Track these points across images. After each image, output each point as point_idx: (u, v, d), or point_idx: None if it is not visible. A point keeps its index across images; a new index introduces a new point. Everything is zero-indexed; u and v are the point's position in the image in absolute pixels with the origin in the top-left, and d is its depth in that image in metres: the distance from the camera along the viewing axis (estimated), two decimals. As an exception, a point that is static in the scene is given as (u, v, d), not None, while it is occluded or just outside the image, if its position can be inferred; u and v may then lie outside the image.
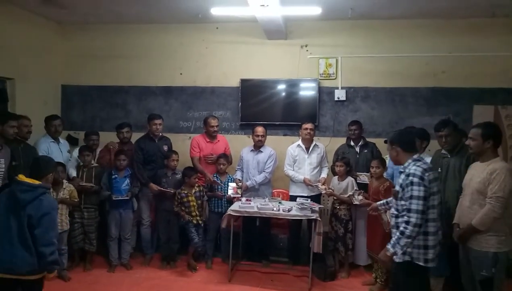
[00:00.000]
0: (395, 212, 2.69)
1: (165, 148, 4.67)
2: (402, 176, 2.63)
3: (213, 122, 4.67)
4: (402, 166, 2.68)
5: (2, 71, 4.81)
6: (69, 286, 3.90)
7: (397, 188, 2.68)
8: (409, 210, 2.50)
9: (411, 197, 2.50)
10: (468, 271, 2.87)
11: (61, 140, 4.57)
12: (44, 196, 2.61)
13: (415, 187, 2.49)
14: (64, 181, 4.03)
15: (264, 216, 4.05)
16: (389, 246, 2.58)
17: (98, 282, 4.00)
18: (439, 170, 3.46)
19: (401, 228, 2.52)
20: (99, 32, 5.70)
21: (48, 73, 5.54)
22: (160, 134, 4.73)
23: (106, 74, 5.72)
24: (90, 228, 4.26)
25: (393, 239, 2.57)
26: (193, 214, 4.25)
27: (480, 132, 2.79)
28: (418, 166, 2.56)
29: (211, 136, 4.70)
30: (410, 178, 2.52)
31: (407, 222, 2.49)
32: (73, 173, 4.38)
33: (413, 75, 5.08)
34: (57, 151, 4.37)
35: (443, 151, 3.51)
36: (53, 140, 4.38)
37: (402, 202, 2.58)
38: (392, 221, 2.73)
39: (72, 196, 3.98)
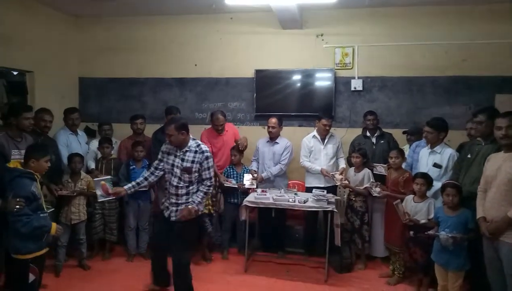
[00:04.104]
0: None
1: None
2: (194, 154, 3.28)
3: (220, 119, 4.59)
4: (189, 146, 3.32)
5: (22, 65, 4.90)
6: (89, 274, 4.00)
7: (189, 164, 3.28)
8: (209, 178, 3.35)
9: (208, 168, 3.31)
10: (496, 266, 2.75)
11: (79, 132, 4.64)
12: (16, 179, 2.72)
13: (210, 160, 3.33)
14: (82, 172, 4.10)
15: (280, 207, 4.04)
16: None
17: (117, 270, 4.09)
18: (468, 156, 3.36)
19: (204, 190, 3.36)
20: (114, 25, 5.73)
21: (66, 66, 5.61)
22: None
23: (122, 67, 5.76)
24: (111, 218, 4.33)
25: (198, 199, 3.31)
26: (207, 203, 4.25)
27: None
28: (202, 144, 3.38)
29: (218, 130, 4.69)
30: (205, 154, 3.29)
31: (209, 186, 3.36)
32: (91, 165, 4.45)
33: (432, 64, 4.95)
34: (76, 143, 4.45)
35: (478, 138, 3.37)
36: (72, 132, 4.46)
37: (193, 175, 3.29)
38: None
39: (89, 187, 4.04)
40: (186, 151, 3.31)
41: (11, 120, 3.28)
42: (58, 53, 5.42)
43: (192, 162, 3.29)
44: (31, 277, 2.80)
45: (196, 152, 3.30)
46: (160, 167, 3.44)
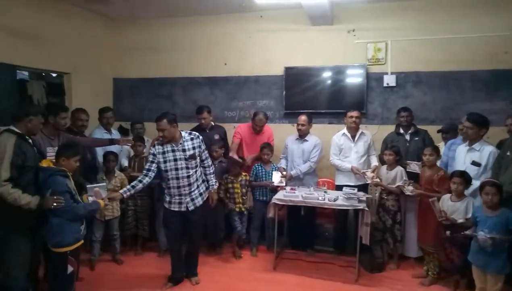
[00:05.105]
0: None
1: (216, 137, 4.72)
2: (192, 141, 3.56)
3: (263, 121, 4.65)
4: (183, 139, 3.56)
5: (59, 66, 5.13)
6: (122, 269, 4.12)
7: (192, 151, 3.55)
8: (208, 157, 3.77)
9: (205, 148, 3.70)
10: None
11: (113, 131, 4.77)
12: (51, 177, 2.83)
13: (203, 141, 3.67)
14: (116, 170, 4.22)
15: (310, 205, 3.99)
16: None
17: (149, 265, 4.18)
18: (508, 153, 3.18)
19: (211, 171, 3.77)
20: (146, 26, 5.88)
21: (101, 67, 5.81)
22: (213, 123, 4.81)
23: (153, 67, 5.89)
24: (143, 215, 4.43)
25: (213, 181, 3.78)
26: (237, 201, 4.31)
27: None
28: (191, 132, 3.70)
29: (256, 130, 4.70)
30: (200, 137, 3.64)
31: (210, 165, 3.76)
32: (124, 162, 4.57)
33: (470, 57, 4.71)
34: (110, 141, 4.58)
35: None
36: (106, 131, 4.60)
37: (197, 159, 3.59)
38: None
39: (123, 184, 4.12)
40: (184, 141, 3.53)
41: (48, 119, 3.42)
42: (94, 55, 5.63)
43: (193, 148, 3.56)
44: (70, 269, 2.91)
45: (192, 139, 3.58)
46: (152, 168, 3.53)
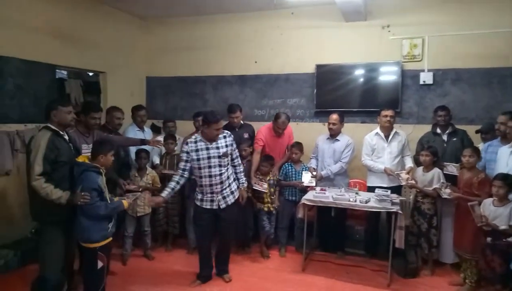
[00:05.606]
0: None
1: (246, 135, 4.70)
2: (224, 139, 3.58)
3: (286, 123, 4.50)
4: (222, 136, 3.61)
5: (96, 66, 5.29)
6: (152, 264, 4.19)
7: (225, 149, 3.57)
8: (239, 155, 3.81)
9: (236, 147, 3.76)
10: None
11: (146, 129, 4.85)
12: (84, 173, 2.89)
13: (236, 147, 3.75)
14: (148, 167, 4.30)
15: (340, 206, 3.90)
16: None
17: (178, 262, 4.23)
18: None
19: (241, 169, 3.82)
20: (178, 25, 5.95)
21: (134, 66, 5.95)
22: (242, 122, 4.79)
23: (185, 66, 5.96)
24: (174, 212, 4.49)
25: (243, 179, 3.81)
26: (266, 200, 4.27)
27: None
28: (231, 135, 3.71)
29: (278, 133, 4.61)
30: (231, 135, 3.68)
31: (240, 163, 3.81)
32: (156, 160, 4.64)
33: (515, 53, 4.45)
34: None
35: None
36: (139, 129, 4.69)
37: (229, 157, 3.63)
38: None
39: (154, 182, 4.22)
40: (217, 139, 3.56)
41: (81, 118, 3.52)
42: (128, 54, 5.77)
43: (226, 146, 3.59)
44: (100, 264, 2.98)
45: (224, 137, 3.62)
46: (187, 168, 3.56)
